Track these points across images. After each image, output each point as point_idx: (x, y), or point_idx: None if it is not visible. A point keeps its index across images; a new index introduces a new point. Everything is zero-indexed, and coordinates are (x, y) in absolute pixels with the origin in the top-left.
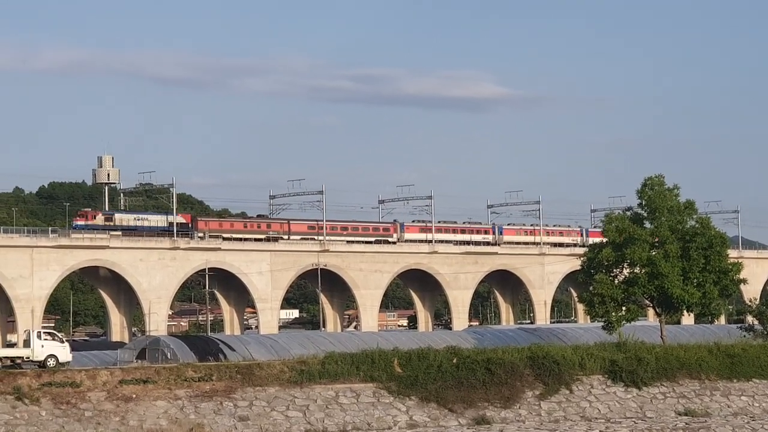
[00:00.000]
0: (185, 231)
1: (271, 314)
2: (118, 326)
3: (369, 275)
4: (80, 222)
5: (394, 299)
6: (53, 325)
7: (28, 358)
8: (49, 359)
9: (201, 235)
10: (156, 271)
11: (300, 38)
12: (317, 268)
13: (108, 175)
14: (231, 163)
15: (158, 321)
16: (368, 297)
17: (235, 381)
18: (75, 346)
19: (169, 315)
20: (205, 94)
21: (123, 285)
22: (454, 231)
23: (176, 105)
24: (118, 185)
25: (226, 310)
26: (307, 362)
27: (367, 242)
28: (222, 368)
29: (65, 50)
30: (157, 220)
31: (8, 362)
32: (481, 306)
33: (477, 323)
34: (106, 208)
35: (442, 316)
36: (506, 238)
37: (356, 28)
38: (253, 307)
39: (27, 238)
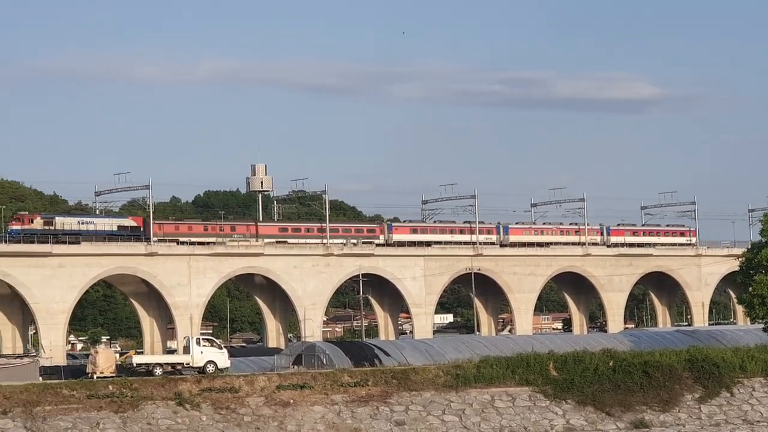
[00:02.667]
0: (137, 235)
1: (425, 319)
2: (274, 332)
3: (523, 278)
4: (16, 227)
5: (548, 302)
6: (211, 331)
7: (188, 364)
8: (208, 365)
9: (354, 241)
10: (310, 278)
11: (450, 43)
12: (471, 273)
13: (261, 183)
14: (383, 169)
15: (313, 327)
16: (522, 300)
17: (391, 386)
18: (233, 352)
19: (324, 321)
20: (356, 101)
21: (278, 291)
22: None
23: (328, 112)
24: (272, 193)
25: (381, 316)
26: (462, 366)
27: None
28: (378, 373)
29: (219, 61)
30: (104, 223)
31: (169, 368)
32: (637, 308)
33: (632, 326)
34: (260, 217)
35: (596, 319)
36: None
37: (506, 31)
38: (407, 312)
39: (184, 247)
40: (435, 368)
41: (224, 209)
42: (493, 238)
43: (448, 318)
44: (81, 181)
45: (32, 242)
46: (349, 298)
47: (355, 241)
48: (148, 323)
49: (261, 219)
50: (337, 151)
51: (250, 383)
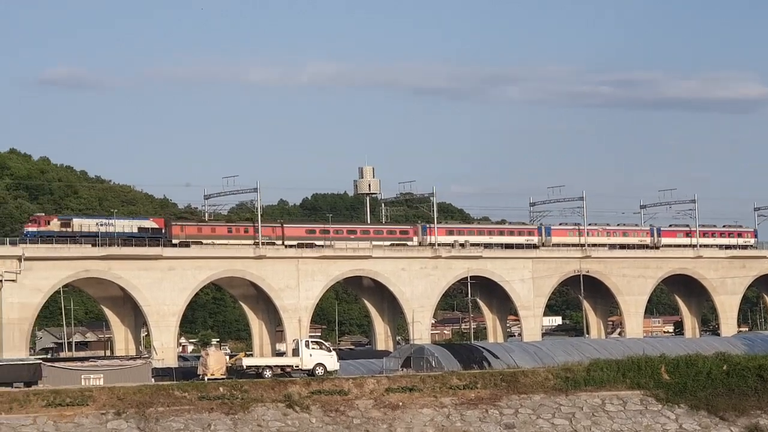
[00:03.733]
0: (158, 236)
1: (533, 321)
2: (382, 335)
3: (632, 281)
4: (32, 228)
5: (658, 305)
6: (320, 334)
7: (298, 366)
8: (317, 368)
9: (462, 243)
10: (418, 280)
11: (557, 45)
12: (579, 275)
13: (369, 185)
14: (491, 171)
15: (422, 329)
16: (632, 303)
17: (500, 389)
18: (341, 355)
19: (432, 323)
20: (463, 104)
21: (386, 294)
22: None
23: (435, 115)
24: (379, 195)
25: (489, 318)
26: (571, 369)
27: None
28: (486, 376)
29: (326, 64)
30: (123, 225)
31: (279, 371)
32: (750, 311)
33: (746, 329)
34: (368, 220)
35: (709, 322)
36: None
37: (613, 32)
38: (516, 314)
39: (293, 250)
40: (544, 371)
41: (332, 212)
42: (535, 239)
43: (557, 320)
44: (191, 185)
45: (144, 245)
46: (458, 300)
47: (463, 242)
48: (257, 326)
49: (369, 221)
50: (445, 154)
51: (359, 386)
